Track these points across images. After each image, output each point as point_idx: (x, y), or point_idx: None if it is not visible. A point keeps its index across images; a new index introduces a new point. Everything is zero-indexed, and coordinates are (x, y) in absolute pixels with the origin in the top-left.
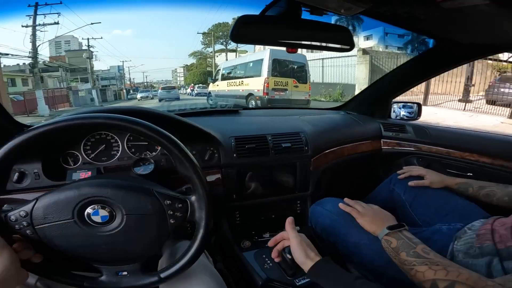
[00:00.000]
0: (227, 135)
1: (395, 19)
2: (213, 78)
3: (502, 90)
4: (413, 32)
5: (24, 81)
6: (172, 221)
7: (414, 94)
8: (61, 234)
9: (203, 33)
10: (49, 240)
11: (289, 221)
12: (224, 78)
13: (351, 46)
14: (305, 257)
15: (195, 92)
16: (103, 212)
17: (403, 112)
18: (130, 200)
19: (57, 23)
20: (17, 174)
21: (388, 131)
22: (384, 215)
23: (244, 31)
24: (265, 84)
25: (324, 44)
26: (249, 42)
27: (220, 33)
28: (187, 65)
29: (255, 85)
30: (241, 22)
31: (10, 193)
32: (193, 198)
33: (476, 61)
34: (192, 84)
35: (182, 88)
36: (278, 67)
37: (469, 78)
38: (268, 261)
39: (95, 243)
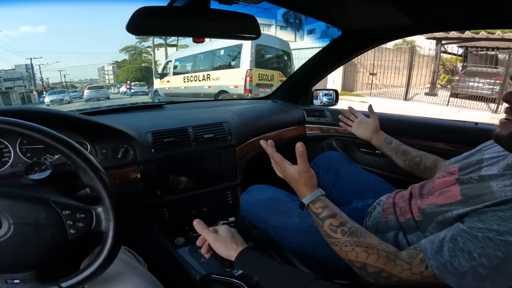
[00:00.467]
0: (143, 130)
1: (303, 8)
2: (160, 72)
3: (467, 83)
4: (322, 21)
5: None
6: (72, 231)
7: (396, 87)
8: None
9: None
10: None
11: (195, 223)
12: (178, 72)
13: (257, 34)
14: (225, 250)
15: (132, 91)
16: None
17: (324, 99)
18: (19, 209)
19: None
20: None
21: (310, 117)
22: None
23: (144, 23)
24: (247, 78)
25: (231, 33)
26: (148, 34)
27: None
28: (117, 61)
29: (230, 79)
30: (139, 14)
31: None
32: (99, 209)
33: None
34: (128, 82)
35: (112, 87)
36: (262, 56)
37: (436, 72)
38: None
39: None
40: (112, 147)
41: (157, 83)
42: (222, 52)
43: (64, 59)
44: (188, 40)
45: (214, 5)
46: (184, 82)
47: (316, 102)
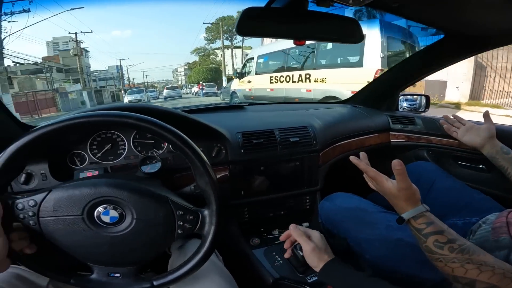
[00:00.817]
0: (234, 131)
1: (402, 10)
2: (239, 72)
3: None
4: (423, 24)
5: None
6: (179, 232)
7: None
8: (64, 229)
9: (211, 24)
10: (49, 233)
11: (291, 228)
12: (262, 71)
13: (360, 38)
14: (318, 260)
15: (204, 91)
16: (114, 213)
17: (405, 104)
18: (144, 205)
19: (28, 10)
20: (24, 175)
21: (397, 124)
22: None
23: (250, 24)
24: None
25: (332, 36)
26: (255, 35)
27: (225, 27)
28: (189, 63)
29: (346, 82)
30: (246, 15)
31: (17, 195)
32: (205, 212)
33: None
34: (201, 83)
35: (184, 88)
36: (393, 50)
37: None
38: (278, 258)
39: (97, 242)
40: (207, 146)
41: (235, 84)
42: (329, 45)
43: (146, 60)
44: (251, 42)
45: (312, 7)
46: (271, 83)
47: (401, 109)
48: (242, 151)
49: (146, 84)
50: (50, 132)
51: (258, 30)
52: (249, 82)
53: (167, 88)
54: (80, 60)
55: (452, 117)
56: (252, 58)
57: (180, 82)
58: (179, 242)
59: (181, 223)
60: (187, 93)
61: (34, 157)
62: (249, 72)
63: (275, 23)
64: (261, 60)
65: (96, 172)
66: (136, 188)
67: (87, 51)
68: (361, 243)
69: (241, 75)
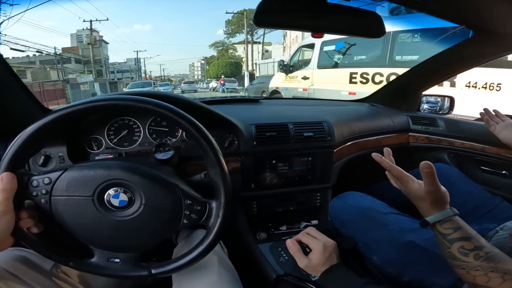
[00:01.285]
0: (247, 122)
1: (427, 6)
2: (286, 64)
3: None
4: (449, 21)
5: (20, 72)
6: (185, 221)
7: None
8: (73, 210)
9: (234, 14)
10: (58, 213)
11: (309, 229)
12: (330, 64)
13: (381, 32)
14: (323, 262)
15: (226, 87)
16: (123, 197)
17: (425, 106)
18: (153, 190)
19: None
20: (42, 157)
21: (417, 125)
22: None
23: (268, 15)
24: None
25: (352, 29)
26: (272, 26)
27: (246, 21)
28: (206, 57)
29: None
30: (264, 5)
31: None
32: (213, 204)
33: None
34: (223, 77)
35: (200, 82)
36: None
37: None
38: (284, 255)
39: (103, 226)
40: (220, 136)
41: (279, 80)
42: None
43: (164, 53)
44: (272, 37)
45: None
46: (353, 82)
47: (424, 109)
48: (254, 143)
49: (162, 77)
50: (69, 114)
51: (276, 20)
52: (304, 78)
53: (184, 83)
54: (93, 49)
55: (492, 112)
56: (310, 46)
57: (196, 77)
58: (186, 232)
59: (187, 212)
60: (205, 88)
61: (54, 140)
62: (303, 65)
63: (292, 14)
64: (330, 48)
65: (110, 157)
66: (148, 173)
67: (106, 43)
68: (370, 243)
69: (287, 68)
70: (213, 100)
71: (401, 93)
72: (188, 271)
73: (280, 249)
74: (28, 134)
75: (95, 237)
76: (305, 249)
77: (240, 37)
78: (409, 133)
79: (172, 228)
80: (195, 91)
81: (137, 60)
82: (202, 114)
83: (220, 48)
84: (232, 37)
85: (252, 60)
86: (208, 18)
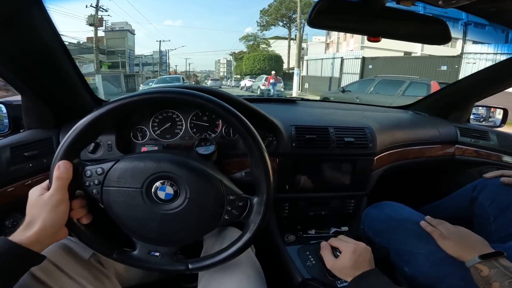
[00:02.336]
0: (287, 123)
1: (502, 16)
2: None
3: None
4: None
5: None
6: (226, 217)
7: None
8: (123, 201)
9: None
10: (108, 204)
11: (340, 236)
12: None
13: (447, 39)
14: (352, 265)
15: (276, 89)
16: (170, 190)
17: (476, 116)
18: (199, 185)
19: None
20: (93, 144)
21: (466, 137)
22: (474, 240)
23: (322, 17)
24: None
25: (413, 35)
26: (326, 28)
27: (284, 11)
28: (234, 52)
29: None
30: (319, 7)
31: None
32: (255, 200)
33: None
34: (273, 74)
35: (225, 79)
36: None
37: None
38: (311, 258)
39: (148, 218)
40: (260, 135)
41: None
42: None
43: (191, 50)
44: (310, 33)
45: (390, 4)
46: None
47: (473, 121)
48: (293, 144)
49: (188, 72)
50: (124, 105)
51: (330, 23)
52: None
53: (211, 79)
54: (96, 32)
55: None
56: None
57: (222, 74)
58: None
59: (229, 208)
60: (232, 86)
61: (106, 129)
62: None
63: (348, 17)
64: None
65: (155, 148)
66: (195, 167)
67: (132, 33)
68: (404, 255)
69: None
70: (253, 98)
71: (451, 103)
72: (216, 268)
73: (307, 252)
74: (85, 124)
75: (140, 229)
76: (336, 253)
77: (273, 32)
78: (456, 145)
79: (212, 224)
80: (219, 87)
81: (160, 53)
82: (244, 111)
83: (251, 42)
84: (266, 29)
85: (288, 57)
86: (237, 17)
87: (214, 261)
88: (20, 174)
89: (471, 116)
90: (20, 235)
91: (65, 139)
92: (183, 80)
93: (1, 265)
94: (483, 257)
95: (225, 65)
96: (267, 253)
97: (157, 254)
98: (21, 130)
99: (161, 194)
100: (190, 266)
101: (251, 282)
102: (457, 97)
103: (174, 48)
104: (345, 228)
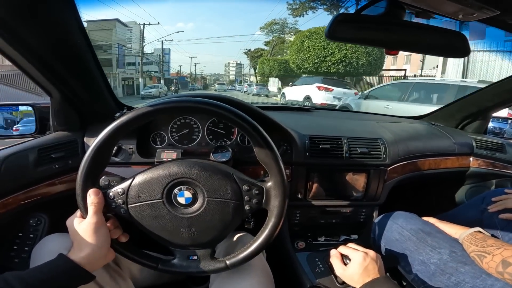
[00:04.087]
0: (301, 132)
1: None
2: None
3: None
4: None
5: None
6: (247, 208)
7: None
8: (150, 214)
9: None
10: (139, 219)
11: (333, 252)
12: None
13: (466, 52)
14: (361, 272)
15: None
16: (188, 194)
17: (493, 127)
18: (212, 182)
19: None
20: (115, 148)
21: (482, 149)
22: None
23: (341, 29)
24: None
25: (432, 49)
26: (345, 41)
27: None
28: (250, 50)
29: None
30: (338, 20)
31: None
32: (269, 184)
33: None
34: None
35: (235, 83)
36: None
37: None
38: (320, 265)
39: (177, 225)
40: (275, 143)
41: None
42: None
43: (202, 53)
44: None
45: (408, 17)
46: None
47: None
48: (307, 154)
49: (194, 74)
50: (153, 112)
51: (349, 36)
52: None
53: (218, 84)
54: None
55: None
56: None
57: (233, 77)
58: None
59: (247, 198)
60: (244, 92)
61: (128, 134)
62: None
63: (367, 30)
64: None
65: (175, 154)
66: (205, 166)
67: (124, 25)
68: (415, 264)
69: None
70: (268, 106)
71: (468, 114)
72: (229, 272)
73: (317, 259)
74: (118, 126)
75: (173, 237)
76: (346, 261)
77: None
78: (472, 157)
79: (237, 217)
80: (225, 90)
81: (163, 51)
82: (260, 119)
83: (277, 33)
84: (300, 15)
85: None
86: (247, 21)
87: (249, 252)
88: (46, 174)
89: (493, 127)
90: (74, 256)
91: (85, 160)
92: (175, 86)
93: (60, 281)
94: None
95: (235, 68)
96: (277, 259)
97: (195, 257)
98: (47, 132)
99: (181, 200)
100: (228, 262)
101: (262, 287)
102: (474, 108)
103: (171, 39)
104: (355, 236)
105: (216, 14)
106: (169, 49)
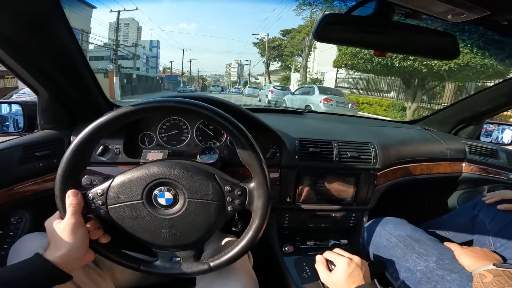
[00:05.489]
0: (291, 135)
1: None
2: None
3: None
4: None
5: None
6: (230, 209)
7: None
8: (130, 215)
9: None
10: (119, 220)
11: (318, 257)
12: None
13: (455, 54)
14: (344, 281)
15: None
16: (168, 195)
17: (500, 136)
18: (193, 183)
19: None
20: (101, 147)
21: (475, 154)
22: (488, 253)
23: (329, 30)
24: None
25: (421, 50)
26: (333, 42)
27: None
28: (264, 38)
29: None
30: (326, 20)
31: (90, 165)
32: (251, 185)
33: None
34: None
35: (236, 84)
36: None
37: None
38: (307, 270)
39: (158, 225)
40: (264, 146)
41: None
42: None
43: (204, 54)
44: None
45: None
46: None
47: (485, 138)
48: (296, 157)
49: (188, 73)
50: (130, 113)
51: (337, 36)
52: None
53: (213, 86)
54: None
55: None
56: None
57: (234, 78)
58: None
59: (230, 199)
60: (254, 97)
61: (114, 133)
62: None
63: (355, 31)
64: None
65: (161, 154)
66: (185, 166)
67: (92, 6)
68: (401, 271)
69: None
70: (260, 109)
71: (462, 119)
72: (213, 276)
73: (304, 264)
74: (101, 123)
75: (155, 238)
76: (331, 266)
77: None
78: (465, 163)
79: (219, 218)
80: (219, 92)
81: (157, 47)
82: (249, 121)
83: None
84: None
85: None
86: (252, 21)
87: (233, 254)
88: (30, 173)
89: (485, 134)
90: (50, 256)
91: (64, 161)
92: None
93: (35, 280)
94: (498, 265)
95: (237, 69)
96: (265, 262)
97: (178, 259)
98: (35, 130)
99: (162, 201)
100: (211, 264)
101: None
102: (468, 113)
103: (165, 33)
104: (344, 241)
105: (222, 13)
106: (157, 40)
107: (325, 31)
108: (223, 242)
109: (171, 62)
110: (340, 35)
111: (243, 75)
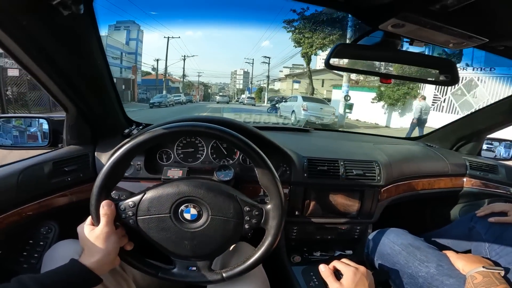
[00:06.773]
0: (300, 154)
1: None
2: None
3: None
4: None
5: None
6: (246, 227)
7: None
8: (157, 226)
9: None
10: (146, 230)
11: (322, 267)
12: None
13: (455, 80)
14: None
15: None
16: (194, 211)
17: (503, 151)
18: (217, 202)
19: None
20: None
21: (475, 170)
22: (479, 257)
23: (340, 60)
24: None
25: (423, 76)
26: (343, 70)
27: None
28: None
29: None
30: (338, 50)
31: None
32: (268, 206)
33: None
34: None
35: (247, 92)
36: None
37: None
38: (315, 280)
39: (181, 237)
40: (274, 164)
41: None
42: None
43: (210, 61)
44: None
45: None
46: None
47: (486, 154)
48: (305, 174)
49: (185, 79)
50: (162, 135)
51: (347, 65)
52: None
53: (219, 96)
54: None
55: None
56: None
57: (240, 86)
58: None
59: (248, 218)
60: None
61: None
62: None
63: (364, 61)
64: None
65: (180, 172)
66: (212, 187)
67: None
68: (404, 277)
69: None
70: (268, 127)
71: (463, 136)
72: (225, 282)
73: (312, 273)
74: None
75: (176, 248)
76: (338, 275)
77: None
78: (466, 178)
79: (237, 234)
80: (227, 102)
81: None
82: (260, 141)
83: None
84: None
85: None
86: (258, 31)
87: (245, 267)
88: (59, 186)
89: (487, 148)
90: (85, 261)
91: (100, 176)
92: None
93: (72, 284)
94: (487, 268)
95: (242, 77)
96: (273, 271)
97: (194, 268)
98: (59, 145)
99: (187, 216)
100: (224, 275)
101: None
102: (468, 131)
103: (178, 37)
104: (349, 252)
105: (228, 21)
106: (138, 31)
107: (335, 61)
108: (232, 250)
109: (157, 60)
110: (350, 64)
111: (248, 82)
